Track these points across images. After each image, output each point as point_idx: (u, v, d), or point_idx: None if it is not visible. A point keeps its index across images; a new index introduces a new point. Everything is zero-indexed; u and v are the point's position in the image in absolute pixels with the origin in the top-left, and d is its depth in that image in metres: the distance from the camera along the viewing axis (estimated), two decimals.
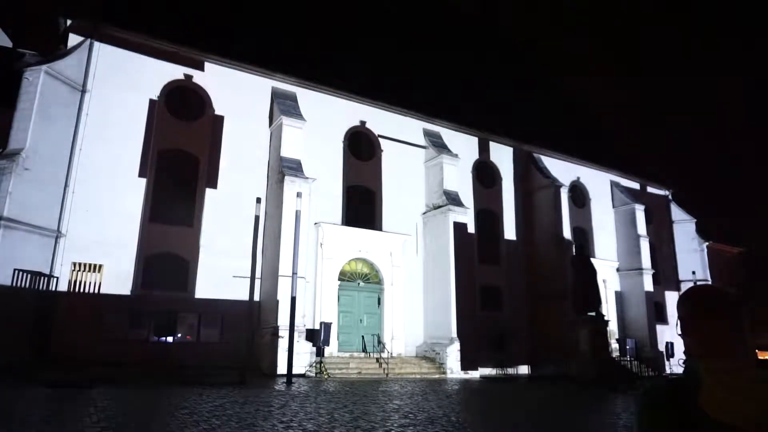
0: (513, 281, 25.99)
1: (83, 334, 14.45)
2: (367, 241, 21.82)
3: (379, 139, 23.47)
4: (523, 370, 23.21)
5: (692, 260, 33.40)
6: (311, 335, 18.10)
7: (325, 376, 17.21)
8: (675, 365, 26.79)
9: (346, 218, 21.79)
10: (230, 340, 17.64)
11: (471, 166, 26.17)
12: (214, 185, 19.32)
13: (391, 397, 12.15)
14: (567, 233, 26.54)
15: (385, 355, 19.87)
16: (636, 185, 33.15)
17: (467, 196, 24.79)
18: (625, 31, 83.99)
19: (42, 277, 15.25)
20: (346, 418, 8.63)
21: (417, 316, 22.38)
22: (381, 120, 23.62)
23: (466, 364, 21.01)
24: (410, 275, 22.62)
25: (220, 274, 18.38)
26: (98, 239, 16.46)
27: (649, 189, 34.06)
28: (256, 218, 16.91)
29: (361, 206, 22.44)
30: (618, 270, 29.87)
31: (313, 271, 20.02)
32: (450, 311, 21.34)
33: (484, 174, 26.77)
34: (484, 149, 26.96)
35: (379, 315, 21.74)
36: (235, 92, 20.29)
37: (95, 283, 14.71)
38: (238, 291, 18.14)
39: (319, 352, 17.96)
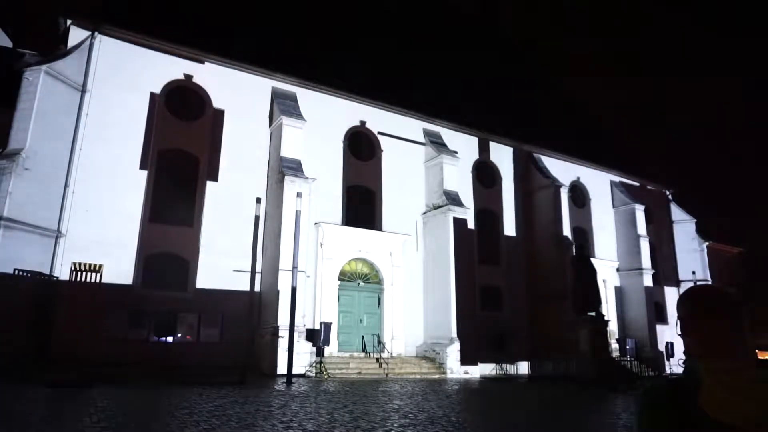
0: (513, 281, 25.99)
1: (83, 334, 14.45)
2: (367, 241, 21.82)
3: (379, 138, 23.46)
4: (523, 370, 23.20)
5: (692, 260, 33.40)
6: (311, 335, 18.10)
7: (325, 376, 17.21)
8: (675, 365, 26.80)
9: (346, 218, 21.79)
10: (230, 340, 17.65)
11: (471, 166, 26.17)
12: (215, 178, 19.31)
13: (391, 397, 12.15)
14: (567, 233, 26.55)
15: (385, 355, 19.87)
16: (636, 185, 33.12)
17: (467, 196, 24.80)
18: (625, 31, 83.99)
19: (42, 277, 15.24)
20: (346, 418, 8.63)
21: (417, 316, 22.38)
22: (381, 120, 23.62)
23: (466, 364, 21.02)
24: (410, 275, 22.62)
25: (221, 273, 18.38)
26: (98, 239, 16.46)
27: (649, 189, 34.04)
28: (256, 218, 16.93)
29: (361, 206, 22.44)
30: (618, 270, 29.87)
31: (313, 271, 20.02)
32: (450, 311, 21.34)
33: (484, 174, 26.77)
34: (484, 149, 26.96)
35: (379, 315, 21.74)
36: (235, 92, 20.29)
37: (95, 283, 14.70)
38: (238, 288, 18.13)
39: (319, 352, 17.96)
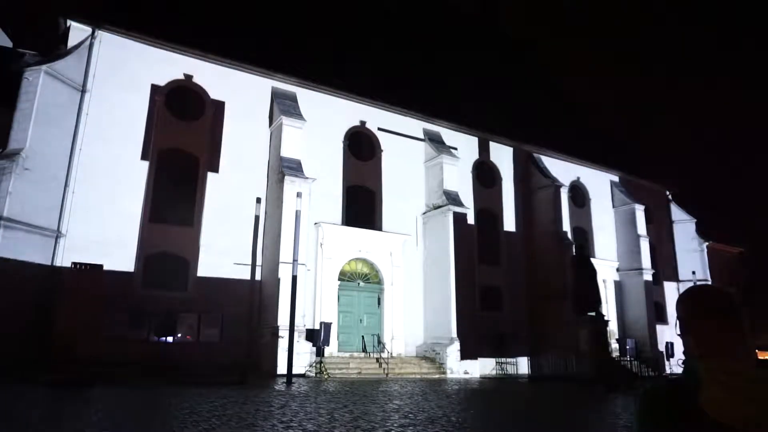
0: (513, 281, 25.99)
1: (83, 333, 14.44)
2: (367, 241, 21.82)
3: (379, 139, 23.46)
4: (523, 369, 23.19)
5: (692, 260, 33.41)
6: (311, 335, 18.10)
7: (325, 376, 17.20)
8: (675, 365, 26.80)
9: (346, 218, 21.79)
10: (230, 340, 17.65)
11: (471, 166, 26.17)
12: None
13: (391, 397, 12.15)
14: (567, 233, 26.55)
15: (385, 355, 19.87)
16: (636, 185, 33.11)
17: (467, 196, 24.80)
18: (625, 31, 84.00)
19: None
20: (346, 418, 8.63)
21: (417, 316, 22.38)
22: (381, 120, 23.64)
23: (466, 364, 21.02)
24: (410, 275, 22.62)
25: (220, 272, 18.38)
26: (98, 239, 16.46)
27: (649, 189, 34.04)
28: (256, 218, 16.93)
29: (361, 206, 22.44)
30: (618, 270, 29.87)
31: (313, 271, 20.01)
32: (450, 311, 21.34)
33: (484, 174, 26.77)
34: (484, 149, 26.96)
35: (379, 315, 21.74)
36: (235, 92, 20.29)
37: (95, 283, 14.69)
38: (238, 294, 18.13)
39: (319, 352, 17.95)
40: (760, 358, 32.03)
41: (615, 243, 30.53)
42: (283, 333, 16.64)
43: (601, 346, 18.97)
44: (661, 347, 27.54)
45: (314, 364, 17.66)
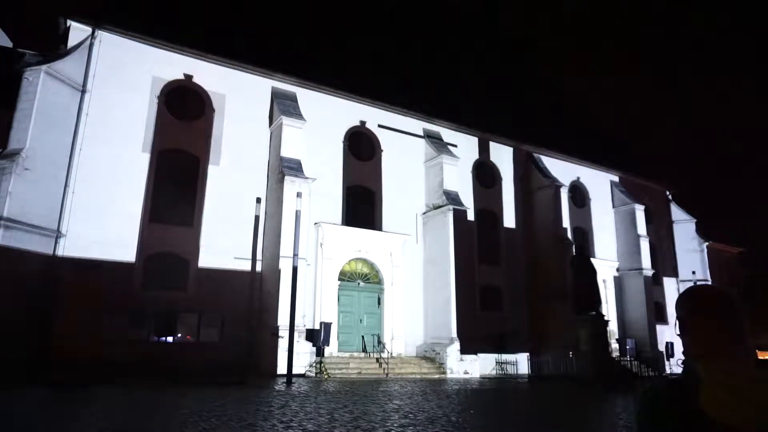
0: (513, 281, 25.99)
1: (83, 333, 14.45)
2: (367, 241, 21.82)
3: (379, 138, 23.46)
4: (523, 369, 23.16)
5: (692, 260, 33.41)
6: (311, 335, 18.10)
7: (325, 376, 17.20)
8: (675, 365, 26.80)
9: (346, 218, 21.79)
10: (230, 340, 17.64)
11: (471, 166, 26.17)
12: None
13: (391, 397, 12.15)
14: (567, 233, 26.54)
15: (385, 355, 19.87)
16: (636, 185, 33.11)
17: (467, 196, 24.79)
18: (625, 31, 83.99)
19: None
20: (346, 418, 8.62)
21: (417, 316, 22.38)
22: (381, 120, 23.63)
23: (466, 364, 21.02)
24: (410, 275, 22.62)
25: (221, 273, 18.37)
26: (98, 239, 16.45)
27: (649, 189, 34.04)
28: (256, 218, 16.93)
29: (361, 206, 22.44)
30: (618, 270, 29.86)
31: (313, 271, 20.02)
32: (450, 311, 21.34)
33: (484, 174, 26.76)
34: (484, 149, 26.96)
35: (379, 315, 21.74)
36: (235, 92, 20.28)
37: (95, 283, 14.70)
38: (238, 288, 18.13)
39: (319, 352, 17.95)
40: (760, 358, 32.04)
41: (615, 243, 30.52)
42: (283, 333, 16.64)
43: (601, 346, 18.97)
44: (661, 347, 27.53)
45: (314, 364, 17.66)
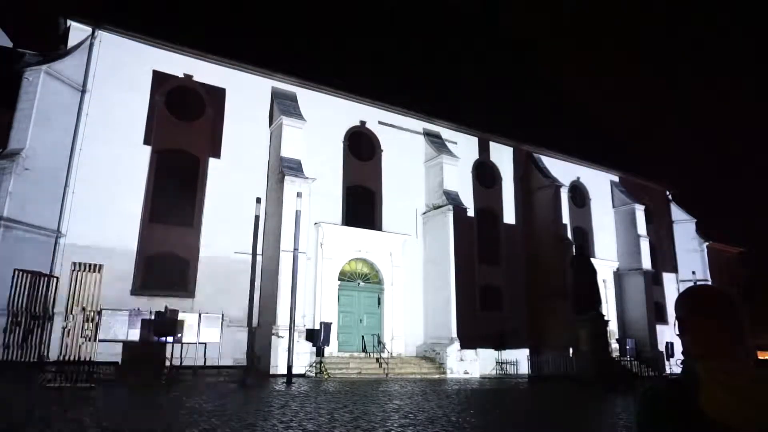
0: (513, 281, 25.99)
1: (83, 334, 14.42)
2: (367, 241, 21.82)
3: (379, 138, 23.45)
4: (523, 369, 23.16)
5: (692, 260, 33.40)
6: (311, 335, 18.10)
7: (325, 376, 17.20)
8: (675, 365, 26.79)
9: (346, 218, 21.79)
10: (230, 340, 17.63)
11: (471, 166, 26.17)
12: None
13: (391, 397, 12.15)
14: (567, 233, 26.54)
15: (385, 355, 19.87)
16: (636, 185, 33.10)
17: (467, 196, 24.79)
18: (625, 31, 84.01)
19: (42, 278, 15.21)
20: (346, 418, 8.62)
21: (417, 316, 22.38)
22: (381, 120, 23.62)
23: (466, 364, 21.02)
24: (410, 275, 22.62)
25: (221, 273, 18.37)
26: (98, 239, 16.46)
27: (649, 189, 34.04)
28: (256, 218, 16.91)
29: (361, 206, 22.44)
30: (618, 270, 29.86)
31: (313, 271, 20.02)
32: (450, 311, 21.34)
33: (484, 174, 26.76)
34: (484, 149, 26.96)
35: (379, 315, 21.74)
36: (235, 92, 20.29)
37: (95, 284, 14.67)
38: (238, 287, 18.11)
39: (319, 352, 17.95)
40: (760, 358, 32.04)
41: (615, 243, 30.52)
42: (283, 333, 16.64)
43: (601, 346, 18.97)
44: (661, 347, 27.52)
45: (314, 364, 17.66)
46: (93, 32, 17.87)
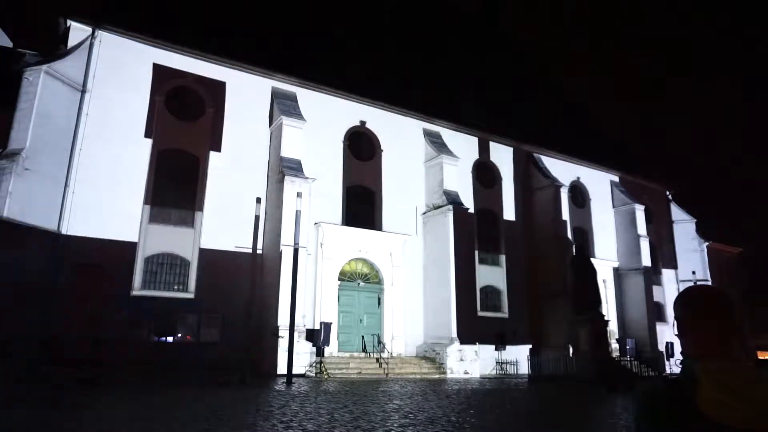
0: (513, 281, 25.99)
1: (84, 334, 14.46)
2: (367, 241, 21.82)
3: (379, 136, 23.45)
4: (523, 369, 23.18)
5: (692, 260, 33.38)
6: (311, 335, 18.10)
7: (325, 376, 17.20)
8: (675, 365, 26.80)
9: (346, 218, 21.79)
10: (230, 340, 17.63)
11: (471, 166, 26.16)
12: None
13: (391, 397, 12.15)
14: (567, 233, 26.54)
15: (385, 355, 19.87)
16: (636, 185, 33.09)
17: (467, 196, 24.79)
18: (625, 31, 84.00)
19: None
20: (346, 418, 8.63)
21: (417, 316, 22.38)
22: (381, 120, 23.63)
23: (466, 364, 21.01)
24: (410, 275, 22.61)
25: (221, 273, 18.38)
26: (98, 239, 16.45)
27: (649, 189, 34.04)
28: (256, 218, 16.91)
29: (361, 206, 22.44)
30: (618, 270, 29.86)
31: (313, 271, 20.02)
32: (450, 311, 21.33)
33: (484, 174, 26.76)
34: (484, 149, 26.95)
35: (379, 315, 21.74)
36: (235, 92, 20.29)
37: (95, 284, 14.70)
38: (238, 287, 18.12)
39: (319, 352, 17.95)
40: (760, 358, 32.02)
41: (615, 243, 30.52)
42: (283, 333, 16.63)
43: (601, 346, 18.98)
44: (661, 347, 27.53)
45: (314, 364, 17.66)
46: (93, 32, 17.87)
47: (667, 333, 28.39)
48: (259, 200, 17.42)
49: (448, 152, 24.23)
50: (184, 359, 16.57)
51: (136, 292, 17.15)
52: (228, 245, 18.56)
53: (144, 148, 18.26)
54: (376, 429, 7.73)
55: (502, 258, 26.19)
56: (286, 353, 15.72)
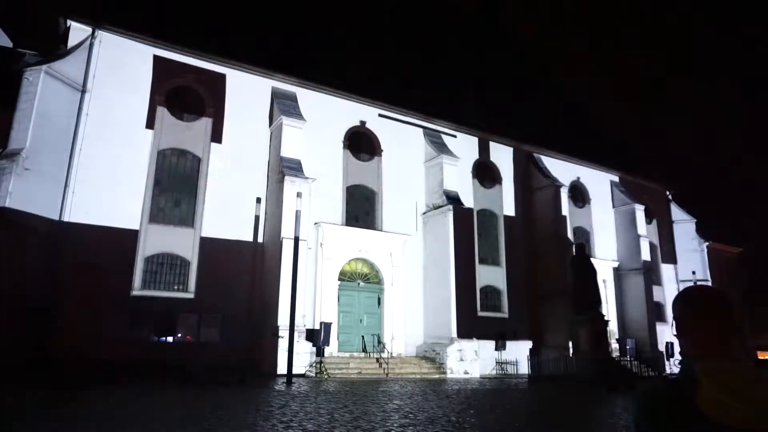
0: (513, 281, 25.98)
1: (84, 334, 14.46)
2: (367, 241, 21.81)
3: (379, 137, 23.45)
4: (523, 369, 23.17)
5: (692, 260, 33.37)
6: (311, 335, 18.10)
7: (325, 376, 17.20)
8: (675, 365, 26.79)
9: (346, 218, 21.79)
10: (230, 340, 17.64)
11: (471, 166, 26.16)
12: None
13: (391, 397, 12.15)
14: (567, 233, 26.53)
15: (385, 355, 19.87)
16: (636, 185, 33.08)
17: (467, 196, 24.78)
18: (625, 31, 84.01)
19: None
20: (346, 418, 8.63)
21: (417, 316, 22.37)
22: (381, 120, 23.62)
23: (466, 364, 21.01)
24: (410, 275, 22.61)
25: (221, 272, 18.38)
26: (98, 239, 16.45)
27: (649, 189, 34.03)
28: (256, 218, 16.91)
29: (361, 206, 22.44)
30: (618, 270, 29.85)
31: (313, 270, 20.01)
32: (450, 311, 21.33)
33: (484, 174, 26.75)
34: (484, 149, 26.95)
35: (379, 315, 21.74)
36: (236, 92, 20.28)
37: (95, 284, 14.70)
38: (238, 287, 18.13)
39: (319, 352, 17.95)
40: (760, 358, 32.00)
41: (615, 243, 30.52)
42: (283, 333, 16.63)
43: (601, 346, 18.97)
44: (661, 347, 27.52)
45: (314, 364, 17.66)
46: (93, 32, 17.87)
47: (667, 333, 28.37)
48: (259, 200, 17.44)
49: (448, 152, 24.23)
50: (184, 359, 16.56)
51: (136, 292, 17.16)
52: (228, 245, 18.56)
53: (144, 148, 18.27)
54: (376, 429, 7.73)
55: (502, 258, 26.18)
56: (286, 353, 15.72)
